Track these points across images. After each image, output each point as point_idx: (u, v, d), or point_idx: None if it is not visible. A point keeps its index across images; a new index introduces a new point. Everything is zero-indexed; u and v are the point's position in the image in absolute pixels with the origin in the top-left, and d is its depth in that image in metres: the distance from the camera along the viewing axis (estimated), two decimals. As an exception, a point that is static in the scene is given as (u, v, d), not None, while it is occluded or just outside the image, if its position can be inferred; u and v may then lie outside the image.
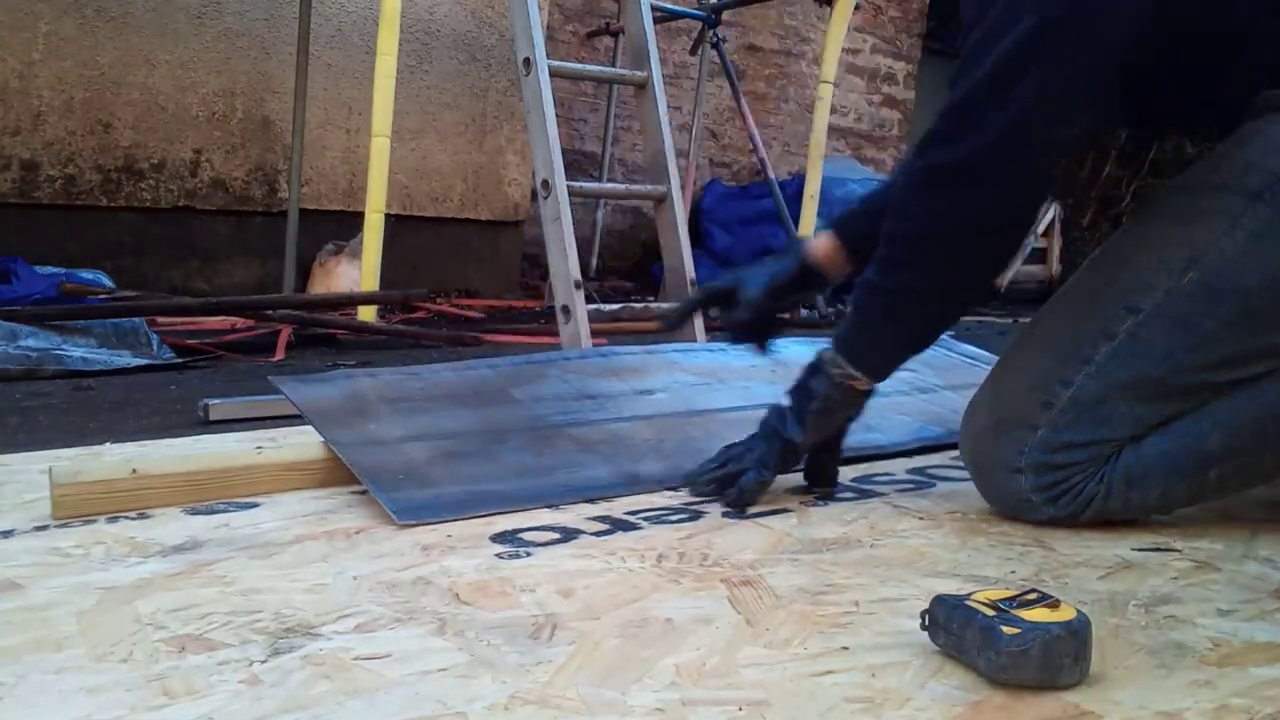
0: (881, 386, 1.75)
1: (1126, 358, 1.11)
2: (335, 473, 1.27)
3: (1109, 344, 1.12)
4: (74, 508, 1.12)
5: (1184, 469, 1.13)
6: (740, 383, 1.74)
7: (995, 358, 2.07)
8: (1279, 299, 1.07)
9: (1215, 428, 1.12)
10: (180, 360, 2.65)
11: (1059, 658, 0.72)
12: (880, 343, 1.19)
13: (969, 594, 0.78)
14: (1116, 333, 1.12)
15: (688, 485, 1.28)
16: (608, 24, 5.20)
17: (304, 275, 4.08)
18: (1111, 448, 1.12)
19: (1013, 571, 1.00)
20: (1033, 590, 0.78)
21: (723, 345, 1.96)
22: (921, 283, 1.14)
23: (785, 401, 1.23)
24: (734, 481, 1.22)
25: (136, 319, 2.73)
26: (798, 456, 1.25)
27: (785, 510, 1.20)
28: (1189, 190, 1.15)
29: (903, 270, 1.13)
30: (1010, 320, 5.20)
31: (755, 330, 1.38)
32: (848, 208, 1.39)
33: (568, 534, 1.09)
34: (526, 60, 2.19)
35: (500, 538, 1.08)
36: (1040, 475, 1.13)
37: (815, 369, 1.21)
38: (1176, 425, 1.13)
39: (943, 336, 2.21)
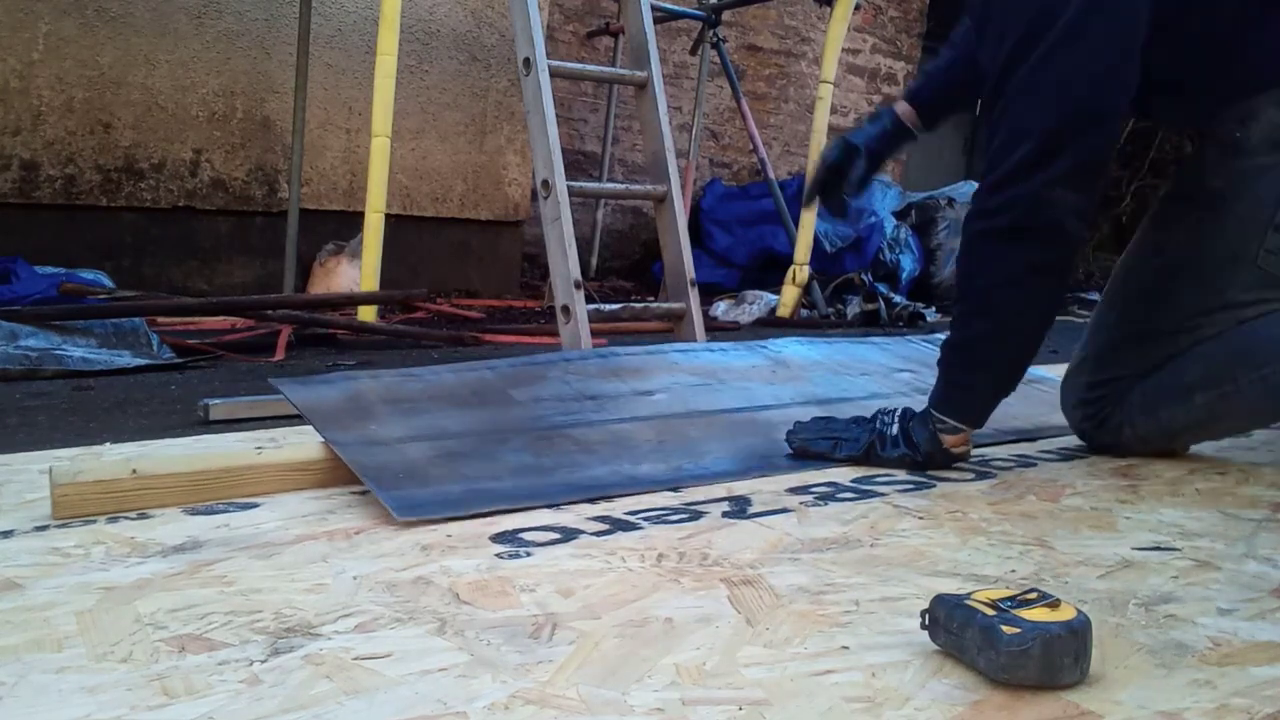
0: (880, 389, 1.76)
1: (1124, 321, 1.51)
2: (335, 473, 1.27)
3: (1114, 313, 1.53)
4: (74, 508, 1.12)
5: (1174, 395, 1.45)
6: (740, 384, 1.74)
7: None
8: (1217, 271, 1.41)
9: (1195, 361, 1.44)
10: (180, 360, 2.65)
11: (1059, 657, 0.72)
12: (974, 391, 1.39)
13: (969, 593, 0.78)
14: (1117, 304, 1.53)
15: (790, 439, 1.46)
16: (608, 24, 5.20)
17: (304, 275, 4.08)
18: (1126, 383, 1.49)
19: (1013, 571, 1.00)
20: (1033, 590, 0.78)
21: (723, 346, 1.96)
22: (1000, 328, 1.34)
23: (894, 427, 1.42)
24: (837, 448, 1.43)
25: (136, 319, 2.72)
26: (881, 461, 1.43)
27: (785, 510, 1.20)
28: (1173, 199, 1.50)
29: (980, 319, 1.34)
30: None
31: (862, 184, 1.65)
32: (919, 81, 1.73)
33: (568, 534, 1.09)
34: (526, 60, 2.19)
35: (500, 538, 1.07)
36: (1084, 408, 1.54)
37: (922, 418, 1.41)
38: (1168, 365, 1.46)
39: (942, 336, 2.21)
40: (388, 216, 3.27)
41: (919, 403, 1.73)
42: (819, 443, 1.43)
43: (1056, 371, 2.16)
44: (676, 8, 4.95)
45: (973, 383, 1.37)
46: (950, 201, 5.55)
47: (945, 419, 1.38)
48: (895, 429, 1.41)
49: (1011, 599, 0.76)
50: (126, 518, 1.12)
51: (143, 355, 2.60)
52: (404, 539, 1.06)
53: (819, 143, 4.24)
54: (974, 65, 1.40)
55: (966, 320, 1.35)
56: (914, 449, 1.39)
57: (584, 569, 0.98)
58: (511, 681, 0.73)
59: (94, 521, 1.10)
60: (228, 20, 3.98)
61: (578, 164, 5.44)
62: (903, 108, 1.65)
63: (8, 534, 1.06)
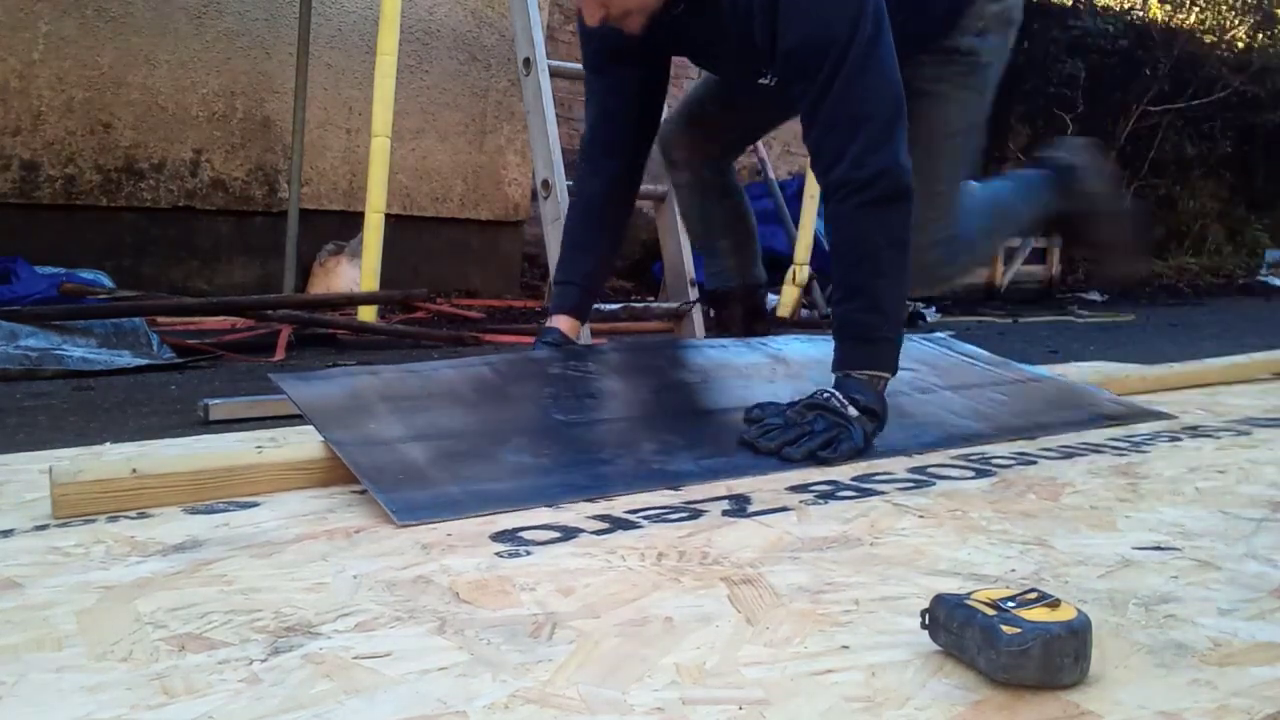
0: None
1: (950, 167, 1.83)
2: (335, 472, 1.27)
3: (933, 163, 1.75)
4: (74, 507, 1.12)
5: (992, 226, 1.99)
6: (740, 381, 1.74)
7: (994, 356, 2.08)
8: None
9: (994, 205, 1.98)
10: (180, 360, 2.65)
11: (1059, 657, 0.72)
12: (895, 342, 1.52)
13: (969, 593, 0.78)
14: (937, 158, 1.78)
15: (750, 442, 1.45)
16: (608, 24, 5.19)
17: (304, 275, 4.08)
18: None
19: (1013, 570, 1.00)
20: (1033, 589, 0.78)
21: (723, 343, 1.96)
22: (897, 284, 1.53)
23: (850, 408, 1.47)
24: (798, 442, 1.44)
25: (136, 319, 2.73)
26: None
27: (785, 509, 1.20)
28: (958, 74, 1.79)
29: (881, 279, 1.50)
30: (1010, 320, 5.20)
31: None
32: (567, 294, 1.82)
33: (568, 533, 1.09)
34: (526, 60, 2.19)
35: (500, 536, 1.07)
36: (941, 247, 1.81)
37: (860, 383, 1.49)
38: (976, 209, 1.90)
39: (942, 336, 2.21)
40: (388, 216, 3.27)
41: (919, 400, 1.72)
42: (766, 439, 1.45)
43: (1056, 371, 2.16)
44: (676, 8, 4.94)
45: (891, 334, 1.52)
46: (950, 201, 5.54)
47: (883, 374, 1.52)
48: (852, 410, 1.46)
49: (1011, 599, 0.76)
50: (126, 517, 1.12)
51: (143, 355, 2.60)
52: (404, 538, 1.06)
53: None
54: (607, 239, 1.83)
55: (866, 285, 1.50)
56: (875, 416, 1.49)
57: (584, 568, 0.98)
58: (511, 681, 0.73)
59: (94, 521, 1.10)
60: (228, 20, 3.98)
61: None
62: (564, 323, 1.79)
63: (8, 533, 1.06)
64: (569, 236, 1.86)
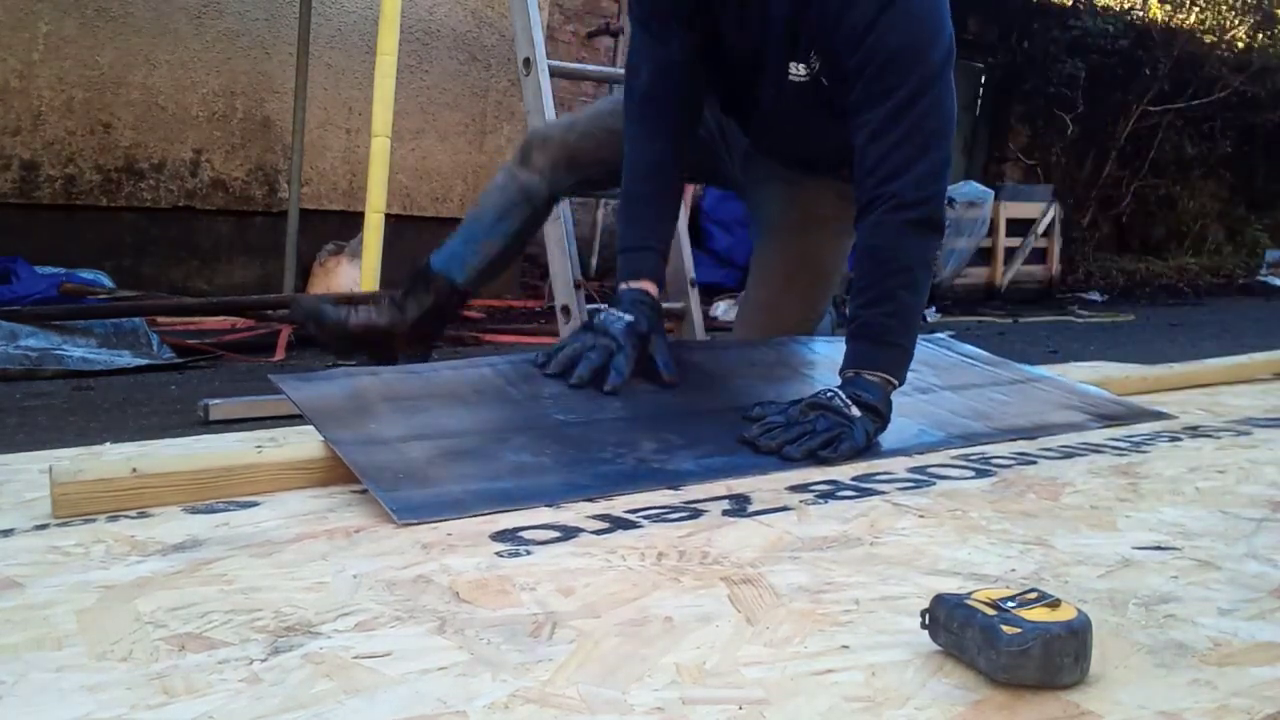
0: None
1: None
2: (335, 471, 1.27)
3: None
4: (74, 506, 1.12)
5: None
6: (741, 381, 1.74)
7: (994, 356, 2.08)
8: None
9: None
10: (180, 360, 2.65)
11: (1059, 657, 0.72)
12: (909, 351, 1.58)
13: (969, 593, 0.78)
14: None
15: (752, 440, 1.45)
16: (608, 24, 5.20)
17: (304, 275, 4.08)
18: None
19: (1013, 570, 1.00)
20: (1033, 589, 0.78)
21: (723, 343, 1.96)
22: (919, 301, 1.62)
23: (853, 408, 1.47)
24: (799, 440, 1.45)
25: (136, 319, 2.73)
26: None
27: (785, 508, 1.20)
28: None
29: (907, 292, 1.57)
30: (1010, 320, 5.20)
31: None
32: (645, 258, 1.73)
33: (568, 532, 1.09)
34: (526, 60, 2.19)
35: (500, 536, 1.07)
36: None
37: (868, 384, 1.51)
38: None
39: (942, 336, 2.21)
40: (388, 216, 3.27)
41: (919, 400, 1.72)
42: (766, 438, 1.45)
43: (1056, 371, 2.16)
44: (677, 8, 4.94)
45: (908, 344, 1.57)
46: (950, 201, 5.55)
47: (893, 380, 1.55)
48: (855, 410, 1.47)
49: (1011, 599, 0.76)
50: (126, 516, 1.12)
51: (143, 355, 2.60)
52: (404, 537, 1.06)
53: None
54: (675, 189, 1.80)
55: (894, 293, 1.56)
56: (879, 416, 1.51)
57: (584, 567, 0.98)
58: (511, 680, 0.73)
59: (94, 520, 1.10)
60: (228, 20, 3.98)
61: (578, 164, 5.43)
62: (650, 286, 1.72)
63: (8, 532, 1.06)
64: (639, 201, 1.75)
